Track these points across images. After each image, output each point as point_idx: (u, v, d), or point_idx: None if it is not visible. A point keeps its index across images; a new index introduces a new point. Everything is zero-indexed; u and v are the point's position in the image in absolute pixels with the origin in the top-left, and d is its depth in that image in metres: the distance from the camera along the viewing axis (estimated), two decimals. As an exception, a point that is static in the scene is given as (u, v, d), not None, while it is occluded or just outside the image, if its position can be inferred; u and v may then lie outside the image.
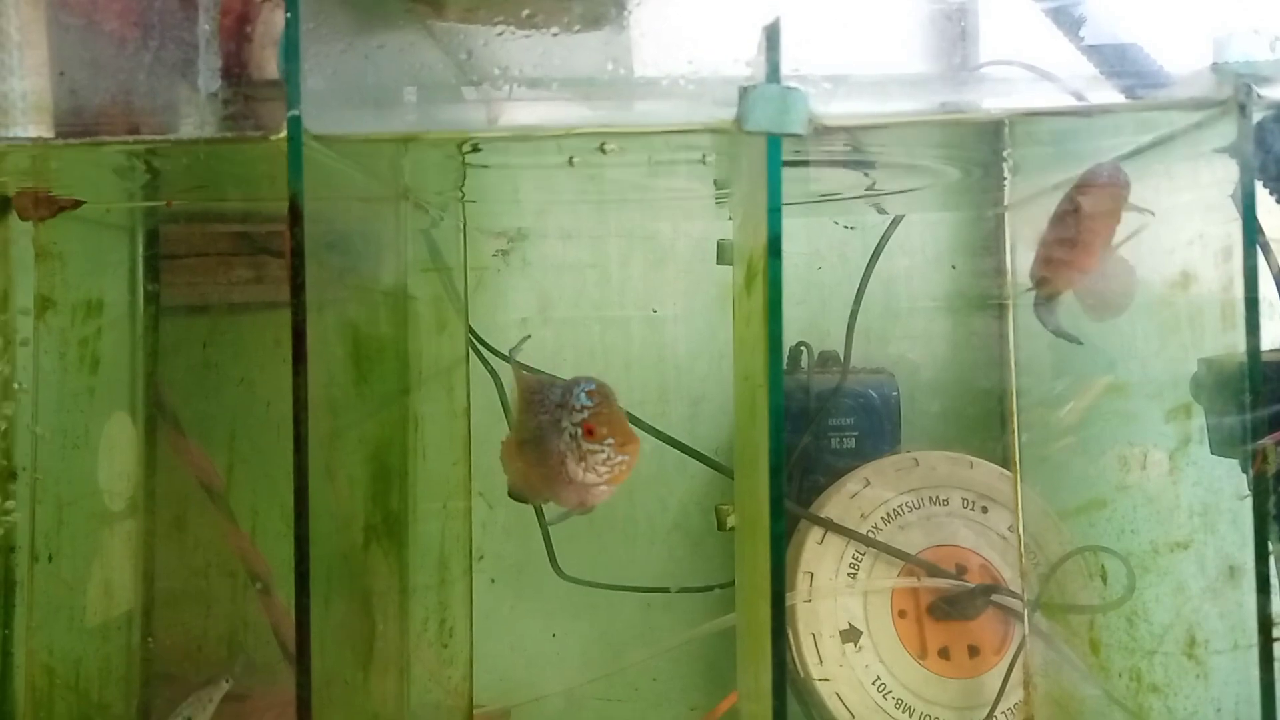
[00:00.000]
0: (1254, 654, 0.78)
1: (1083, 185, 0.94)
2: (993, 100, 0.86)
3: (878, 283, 1.38)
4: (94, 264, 1.18)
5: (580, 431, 0.80)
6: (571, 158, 0.93)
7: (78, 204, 1.02)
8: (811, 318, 1.43)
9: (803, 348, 1.39)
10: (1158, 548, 0.99)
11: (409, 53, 0.81)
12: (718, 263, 1.30)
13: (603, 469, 0.80)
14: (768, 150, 0.78)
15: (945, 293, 1.43)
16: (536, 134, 0.84)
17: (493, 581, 1.37)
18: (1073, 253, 0.94)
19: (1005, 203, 1.28)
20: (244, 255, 1.33)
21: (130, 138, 0.81)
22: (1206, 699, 0.90)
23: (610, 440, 0.80)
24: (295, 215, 0.76)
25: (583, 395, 0.80)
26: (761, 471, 0.81)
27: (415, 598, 1.12)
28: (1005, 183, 1.20)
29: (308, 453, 0.76)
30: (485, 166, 1.07)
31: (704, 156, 0.98)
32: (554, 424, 0.83)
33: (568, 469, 0.82)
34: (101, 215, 1.17)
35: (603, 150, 0.87)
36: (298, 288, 0.76)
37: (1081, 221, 0.93)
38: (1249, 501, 0.79)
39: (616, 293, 1.45)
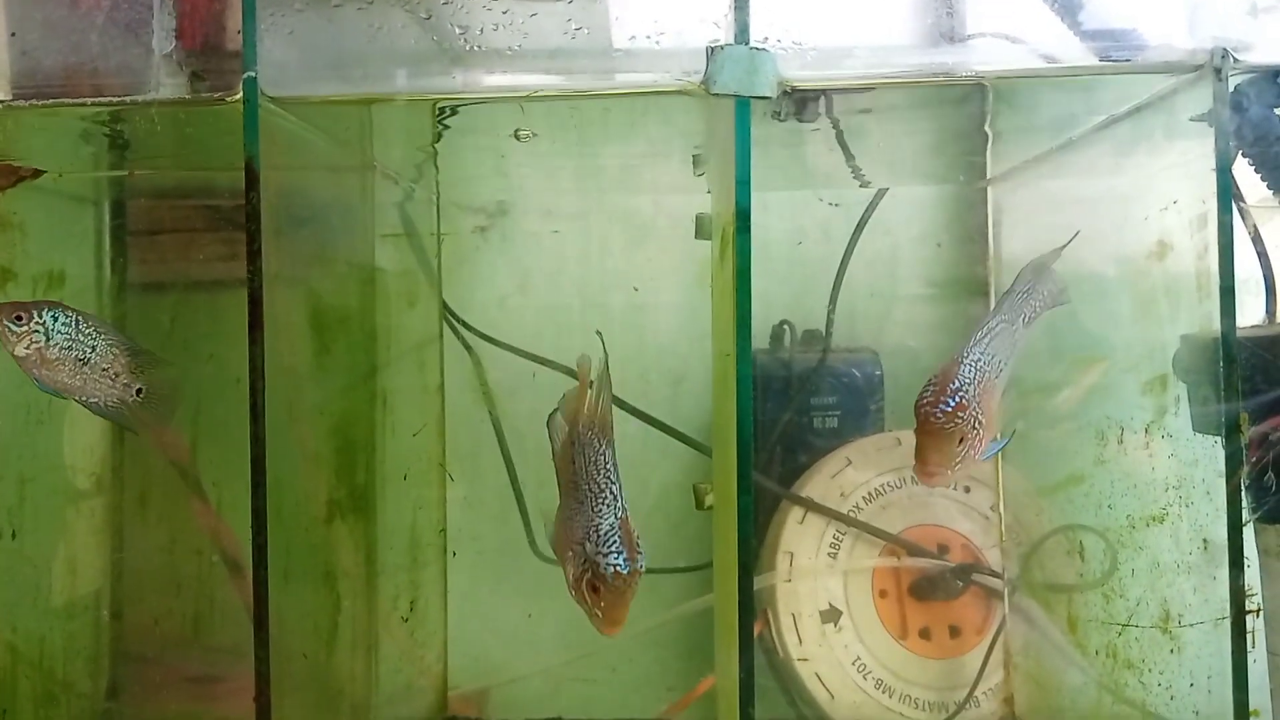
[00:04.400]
0: (1227, 627, 0.77)
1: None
2: (970, 64, 0.84)
3: (862, 262, 1.37)
4: (56, 235, 1.17)
5: (589, 579, 0.83)
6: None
7: (38, 173, 1.00)
8: (795, 296, 1.41)
9: (785, 326, 1.38)
10: (1134, 522, 0.97)
11: (368, 13, 0.79)
12: (697, 237, 1.28)
13: (584, 609, 0.84)
14: (736, 113, 0.76)
15: (930, 272, 1.42)
16: (502, 96, 0.83)
17: (454, 555, 1.35)
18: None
19: (987, 175, 1.27)
20: (215, 231, 1.31)
21: (85, 99, 0.80)
22: (1181, 673, 0.89)
23: (599, 615, 0.83)
24: (251, 179, 0.75)
25: (611, 568, 0.82)
26: (733, 444, 0.80)
27: (385, 575, 1.10)
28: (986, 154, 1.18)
29: (265, 422, 0.74)
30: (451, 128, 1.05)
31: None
32: (583, 532, 0.85)
33: (566, 569, 0.86)
34: (64, 186, 1.15)
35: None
36: (254, 254, 0.75)
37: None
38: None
39: (597, 270, 1.43)
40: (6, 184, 0.99)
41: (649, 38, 0.79)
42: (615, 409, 1.35)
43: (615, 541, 0.84)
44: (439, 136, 1.03)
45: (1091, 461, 1.05)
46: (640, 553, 0.84)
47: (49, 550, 1.15)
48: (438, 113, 0.92)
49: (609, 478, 0.90)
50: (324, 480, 0.92)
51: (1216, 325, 0.79)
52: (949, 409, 0.84)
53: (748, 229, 0.78)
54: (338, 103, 0.84)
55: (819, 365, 1.33)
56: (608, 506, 0.87)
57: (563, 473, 0.93)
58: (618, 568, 0.82)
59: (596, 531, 0.85)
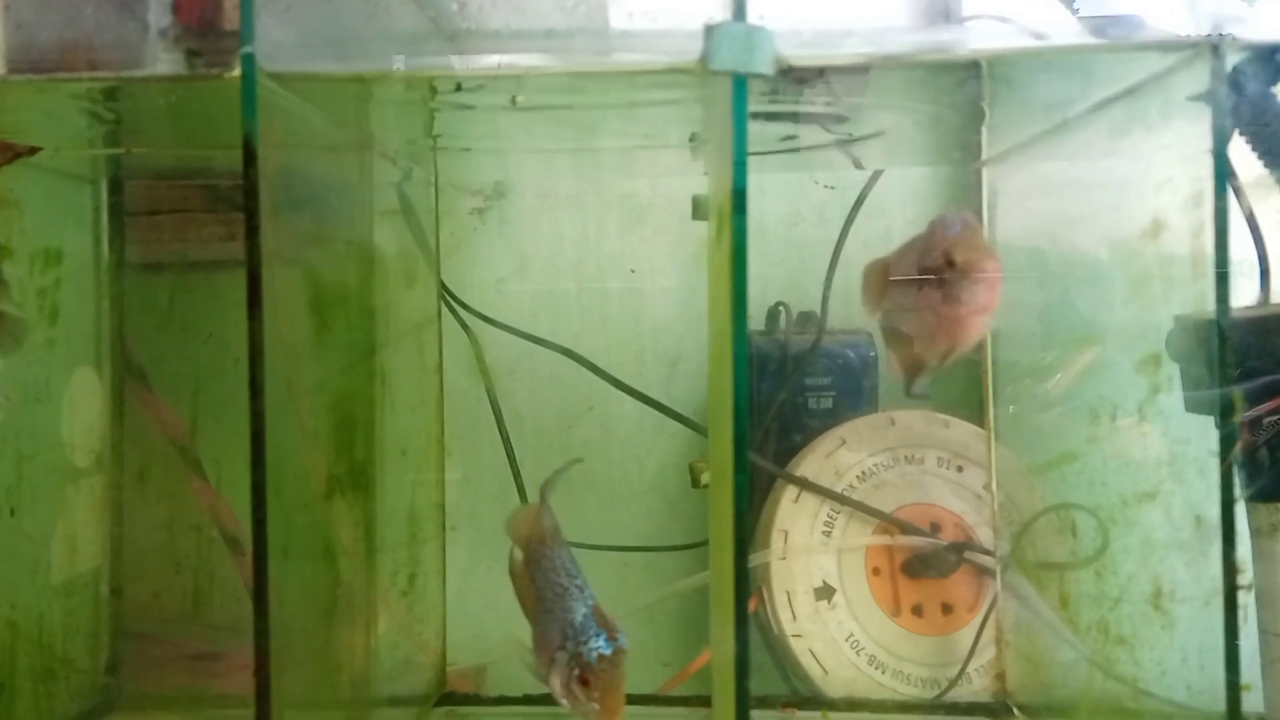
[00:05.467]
0: (1219, 604, 0.78)
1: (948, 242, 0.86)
2: (967, 43, 0.84)
3: (857, 244, 1.37)
4: (54, 213, 1.17)
5: (577, 674, 0.82)
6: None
7: (34, 150, 1.00)
8: (791, 278, 1.42)
9: (781, 308, 1.39)
10: (1126, 500, 0.98)
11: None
12: (694, 218, 1.28)
13: (581, 709, 0.83)
14: (734, 91, 0.76)
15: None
16: (500, 75, 0.82)
17: (453, 529, 1.36)
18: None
19: (983, 157, 1.27)
20: (213, 211, 1.31)
21: (81, 74, 0.79)
22: (1172, 648, 0.91)
23: (596, 707, 0.81)
24: (249, 156, 0.75)
25: (594, 652, 0.82)
26: (728, 423, 0.80)
27: (384, 552, 1.11)
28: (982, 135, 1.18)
29: (264, 399, 0.75)
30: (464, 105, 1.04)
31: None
32: (560, 634, 0.85)
33: (552, 680, 0.85)
34: (61, 164, 1.15)
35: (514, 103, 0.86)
36: (252, 231, 0.75)
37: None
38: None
39: (594, 251, 1.44)
40: (3, 161, 0.99)
41: (646, 16, 0.79)
42: (612, 389, 1.37)
43: (592, 628, 0.84)
44: (434, 118, 1.03)
45: (1084, 440, 1.06)
46: (620, 631, 0.84)
47: (48, 527, 1.15)
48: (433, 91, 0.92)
49: (570, 574, 0.90)
50: (323, 457, 0.92)
51: (1210, 305, 0.80)
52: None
53: (744, 209, 0.78)
54: (335, 80, 0.84)
55: (814, 346, 1.34)
56: (575, 601, 0.87)
57: (526, 598, 0.93)
58: (601, 650, 0.82)
59: (572, 627, 0.84)
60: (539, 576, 0.91)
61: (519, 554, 0.96)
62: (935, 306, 0.88)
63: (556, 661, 0.84)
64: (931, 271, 0.87)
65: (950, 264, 0.85)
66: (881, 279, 0.99)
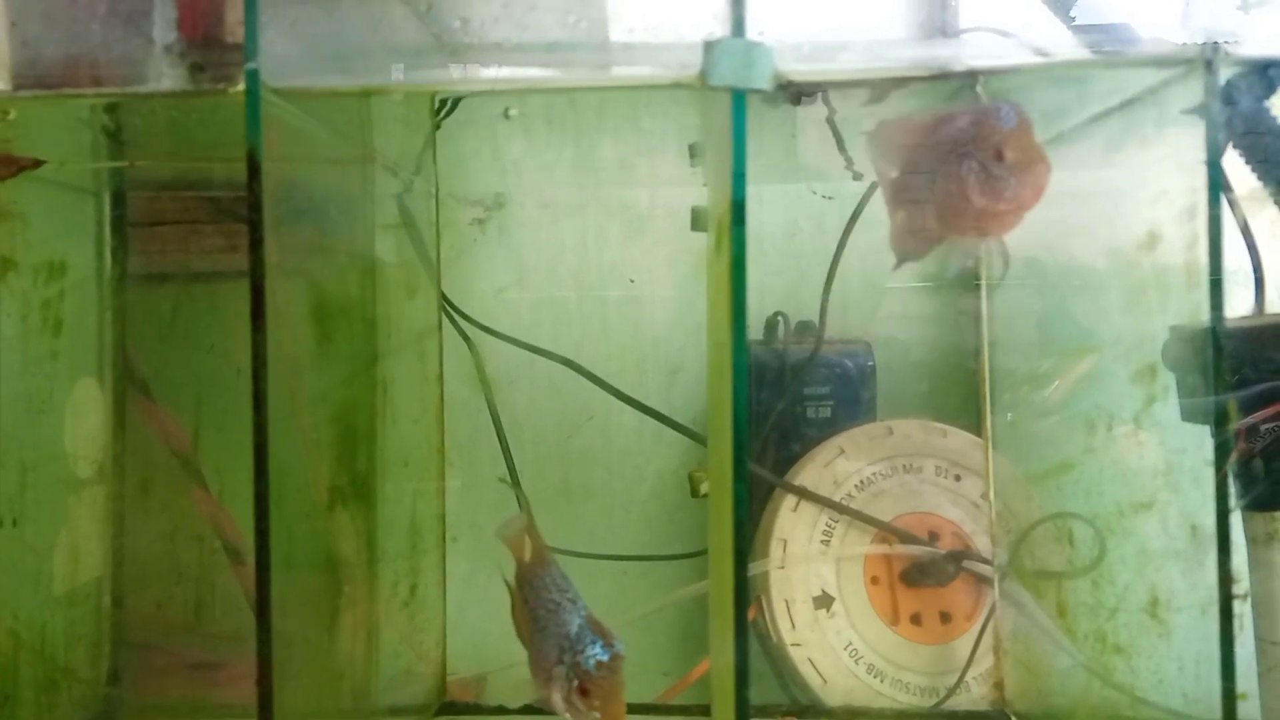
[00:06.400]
0: (1215, 613, 0.78)
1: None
2: (963, 58, 0.85)
3: (855, 254, 1.38)
4: (57, 226, 1.17)
5: (576, 685, 0.82)
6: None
7: (38, 163, 1.00)
8: (789, 288, 1.42)
9: (779, 317, 1.39)
10: (1122, 509, 0.99)
11: (369, 5, 0.80)
12: (693, 229, 1.29)
13: (581, 715, 0.83)
14: (733, 105, 0.77)
15: (922, 264, 1.43)
16: (501, 88, 0.83)
17: (454, 539, 1.36)
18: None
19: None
20: (215, 223, 1.32)
21: (86, 90, 0.80)
22: (1169, 657, 0.91)
23: (597, 714, 0.82)
24: (253, 170, 0.75)
25: (591, 659, 0.82)
26: (728, 432, 0.81)
27: (385, 562, 1.11)
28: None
29: (267, 409, 0.75)
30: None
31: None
32: (557, 649, 0.85)
33: (553, 698, 0.85)
34: (65, 176, 1.16)
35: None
36: (256, 244, 0.76)
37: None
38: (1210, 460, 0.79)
39: (593, 261, 1.44)
40: (7, 174, 1.00)
41: (646, 30, 0.80)
42: (612, 399, 1.37)
43: (588, 636, 0.84)
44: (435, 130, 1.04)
45: (1081, 449, 1.06)
46: (616, 639, 0.84)
47: (50, 538, 1.16)
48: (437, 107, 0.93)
49: (561, 589, 0.90)
50: (325, 467, 0.92)
51: (1205, 316, 0.80)
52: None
53: (743, 221, 0.78)
54: (338, 94, 0.85)
55: (812, 356, 1.34)
56: (568, 614, 0.87)
57: (521, 623, 0.93)
58: (598, 657, 0.82)
59: (567, 639, 0.85)
60: (531, 596, 0.92)
61: (513, 585, 0.97)
62: (970, 193, 0.85)
63: (555, 676, 0.84)
64: (973, 155, 0.85)
65: (999, 158, 0.83)
66: (897, 138, 0.95)
